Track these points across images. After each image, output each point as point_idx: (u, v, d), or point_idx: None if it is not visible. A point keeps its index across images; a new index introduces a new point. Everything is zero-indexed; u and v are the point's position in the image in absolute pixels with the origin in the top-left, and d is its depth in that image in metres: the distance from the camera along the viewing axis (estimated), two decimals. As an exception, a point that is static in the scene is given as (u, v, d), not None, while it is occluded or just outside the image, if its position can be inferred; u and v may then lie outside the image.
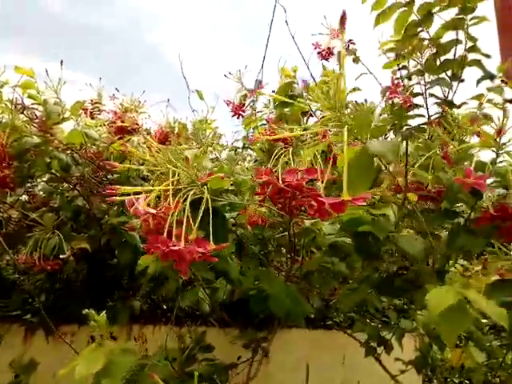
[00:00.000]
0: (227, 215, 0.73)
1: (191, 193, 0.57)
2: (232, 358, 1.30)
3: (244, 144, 1.85)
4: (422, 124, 0.86)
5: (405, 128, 0.75)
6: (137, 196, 0.60)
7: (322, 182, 0.53)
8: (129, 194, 0.61)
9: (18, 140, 1.04)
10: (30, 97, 1.08)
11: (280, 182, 0.62)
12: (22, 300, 1.51)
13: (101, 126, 1.43)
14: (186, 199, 0.56)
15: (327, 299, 1.46)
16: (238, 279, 0.79)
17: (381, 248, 0.71)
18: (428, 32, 0.78)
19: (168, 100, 1.56)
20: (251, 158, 1.82)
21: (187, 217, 0.54)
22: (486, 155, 0.65)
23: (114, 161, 1.36)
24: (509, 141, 0.63)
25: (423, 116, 0.80)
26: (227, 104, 1.29)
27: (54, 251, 1.19)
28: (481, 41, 0.84)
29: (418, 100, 0.83)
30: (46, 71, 1.13)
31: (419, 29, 0.76)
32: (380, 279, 0.76)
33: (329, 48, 1.28)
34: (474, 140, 0.73)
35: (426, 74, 0.80)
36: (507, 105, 0.75)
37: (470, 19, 0.78)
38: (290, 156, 0.67)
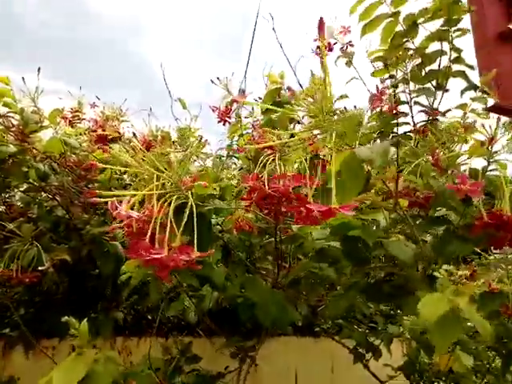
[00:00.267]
0: (213, 220, 0.72)
1: (175, 197, 0.55)
2: (219, 368, 1.27)
3: (228, 152, 1.84)
4: (408, 132, 0.87)
5: (391, 135, 0.76)
6: (120, 199, 0.58)
7: (310, 188, 0.52)
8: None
9: (-6, 149, 1.00)
10: (5, 105, 1.05)
11: (267, 187, 0.61)
12: (-1, 314, 1.46)
13: (81, 134, 1.40)
14: (170, 204, 0.55)
15: (314, 306, 1.45)
16: (223, 285, 0.77)
17: (370, 253, 0.71)
18: (413, 42, 0.79)
19: (150, 109, 1.54)
20: (236, 166, 1.81)
21: (171, 222, 0.52)
22: (476, 163, 0.66)
23: (94, 170, 1.33)
24: (500, 149, 0.64)
25: (409, 124, 0.81)
26: (213, 110, 1.27)
27: (33, 263, 1.16)
28: (464, 52, 0.86)
29: (404, 108, 0.84)
30: (23, 79, 1.10)
31: (405, 39, 0.77)
32: (368, 285, 0.75)
33: (329, 43, 1.28)
34: (462, 148, 0.73)
35: (412, 83, 0.81)
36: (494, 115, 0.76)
37: (455, 31, 0.79)
38: (277, 162, 0.66)
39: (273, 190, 0.63)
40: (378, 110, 0.76)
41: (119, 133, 1.41)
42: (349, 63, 1.10)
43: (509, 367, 1.02)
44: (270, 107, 0.79)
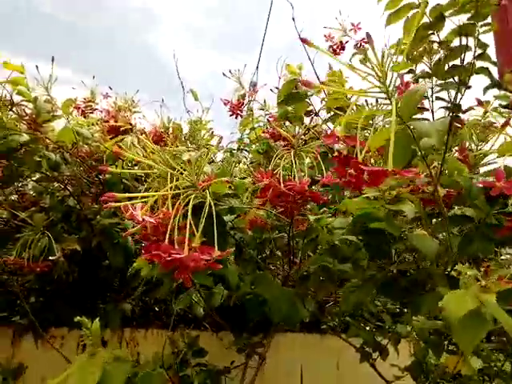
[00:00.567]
0: (225, 218, 0.71)
1: (192, 197, 0.54)
2: (224, 362, 1.27)
3: (239, 146, 1.83)
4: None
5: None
6: (132, 202, 0.57)
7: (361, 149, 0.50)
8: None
9: (7, 137, 1.00)
10: (19, 93, 1.05)
11: (282, 185, 0.59)
12: (9, 302, 1.47)
13: (93, 124, 1.40)
14: (186, 204, 0.54)
15: (322, 303, 1.44)
16: (237, 285, 0.77)
17: (391, 246, 0.69)
18: (438, 36, 0.76)
19: (162, 100, 1.54)
20: (246, 159, 1.80)
21: (189, 223, 0.51)
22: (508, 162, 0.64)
23: (106, 160, 1.33)
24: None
25: (427, 120, 0.79)
26: (225, 103, 1.26)
27: (44, 252, 1.16)
28: (489, 48, 0.83)
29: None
30: (37, 68, 1.10)
31: (429, 32, 0.75)
32: (385, 279, 0.73)
33: (341, 42, 1.26)
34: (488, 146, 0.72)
35: (433, 79, 0.78)
36: None
37: (482, 26, 0.76)
38: (292, 157, 0.65)
39: (288, 188, 0.62)
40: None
41: (131, 124, 1.40)
42: (364, 60, 1.07)
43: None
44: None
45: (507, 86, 0.74)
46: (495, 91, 0.78)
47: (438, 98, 0.84)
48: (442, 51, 0.81)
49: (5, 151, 1.01)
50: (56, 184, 1.31)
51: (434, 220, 0.79)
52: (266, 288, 0.86)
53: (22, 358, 1.40)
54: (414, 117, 0.74)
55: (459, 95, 0.76)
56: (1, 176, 1.13)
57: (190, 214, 0.52)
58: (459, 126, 0.81)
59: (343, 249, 0.87)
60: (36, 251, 1.13)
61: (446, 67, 0.80)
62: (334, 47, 1.30)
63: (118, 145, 1.08)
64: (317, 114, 1.08)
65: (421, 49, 0.84)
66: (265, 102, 1.38)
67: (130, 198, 0.58)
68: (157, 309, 1.66)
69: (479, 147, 0.73)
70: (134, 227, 1.32)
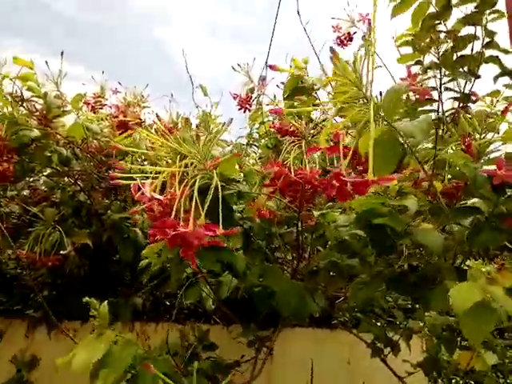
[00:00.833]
0: (234, 207, 0.71)
1: (199, 177, 0.54)
2: (234, 356, 1.28)
3: (248, 141, 1.83)
4: (435, 119, 0.83)
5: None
6: (142, 181, 0.58)
7: (345, 159, 0.50)
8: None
9: (18, 133, 1.01)
10: (29, 89, 1.06)
11: (292, 174, 0.59)
12: (23, 295, 1.50)
13: (103, 120, 1.41)
14: (193, 185, 0.54)
15: (332, 298, 1.43)
16: (244, 272, 0.77)
17: (396, 241, 0.68)
18: (446, 25, 0.75)
19: (172, 95, 1.54)
20: (256, 155, 1.80)
21: (195, 203, 0.52)
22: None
23: (115, 156, 1.34)
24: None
25: (436, 111, 0.77)
26: (234, 97, 1.26)
27: (55, 247, 1.18)
28: (499, 35, 0.81)
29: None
30: (47, 63, 1.11)
31: (436, 22, 0.73)
32: (393, 274, 0.72)
33: (349, 33, 1.24)
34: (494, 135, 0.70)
35: (442, 69, 0.77)
36: None
37: (490, 13, 0.74)
38: (304, 149, 0.64)
39: (298, 177, 0.61)
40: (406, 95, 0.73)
41: (140, 119, 1.41)
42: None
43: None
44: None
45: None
46: (506, 80, 0.77)
47: (446, 89, 0.82)
48: (449, 41, 0.80)
49: (16, 146, 1.02)
50: (67, 179, 1.33)
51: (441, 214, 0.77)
52: (275, 281, 0.85)
53: (35, 350, 1.43)
54: (420, 109, 0.73)
55: (468, 85, 0.74)
56: (12, 171, 1.15)
57: (195, 192, 0.52)
58: (461, 116, 0.79)
59: (352, 244, 0.86)
60: (47, 245, 1.15)
61: (455, 57, 0.79)
62: (342, 38, 1.29)
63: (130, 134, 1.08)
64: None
65: (428, 39, 0.83)
66: (274, 96, 1.38)
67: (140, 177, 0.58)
68: (167, 303, 1.67)
69: (483, 136, 0.71)
70: (144, 220, 1.32)
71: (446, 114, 0.82)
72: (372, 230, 0.69)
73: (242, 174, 0.70)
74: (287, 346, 1.51)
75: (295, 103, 0.91)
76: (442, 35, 0.76)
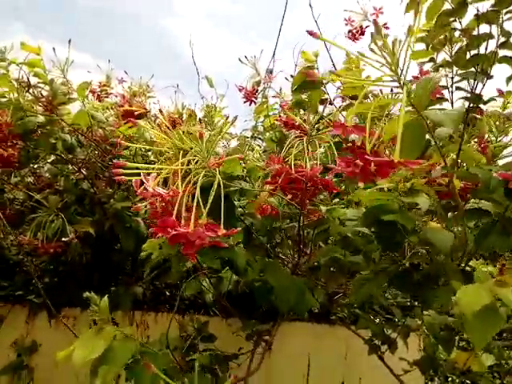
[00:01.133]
0: (236, 203, 0.71)
1: (202, 174, 0.54)
2: (232, 349, 1.28)
3: (253, 134, 1.82)
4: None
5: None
6: (145, 175, 0.57)
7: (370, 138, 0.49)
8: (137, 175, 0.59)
9: (24, 119, 1.01)
10: (35, 75, 1.05)
11: (293, 171, 0.59)
12: (25, 281, 1.51)
13: (108, 108, 1.40)
14: (195, 182, 0.53)
15: (332, 294, 1.43)
16: (245, 269, 0.77)
17: (404, 238, 0.68)
18: (461, 23, 0.73)
19: (177, 85, 1.53)
20: (260, 148, 1.79)
21: (197, 201, 0.51)
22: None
23: (120, 145, 1.34)
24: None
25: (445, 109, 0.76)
26: (239, 90, 1.25)
27: (58, 234, 1.18)
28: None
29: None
30: (54, 50, 1.10)
31: (451, 19, 0.72)
32: (397, 272, 0.72)
33: (361, 27, 1.23)
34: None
35: (454, 68, 0.76)
36: None
37: (506, 13, 0.73)
38: (305, 145, 0.64)
39: (299, 175, 0.61)
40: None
41: (145, 109, 1.40)
42: (373, 47, 1.04)
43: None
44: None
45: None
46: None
47: (457, 88, 0.81)
48: (463, 39, 0.78)
49: (21, 132, 1.02)
50: (70, 167, 1.33)
51: (450, 214, 0.77)
52: (275, 276, 0.86)
53: (36, 335, 1.44)
54: (430, 107, 0.72)
55: (480, 85, 0.73)
56: (17, 157, 1.15)
57: (198, 191, 0.51)
58: (478, 116, 0.78)
59: (355, 240, 0.86)
60: (50, 232, 1.15)
61: (468, 56, 0.77)
62: (354, 31, 1.27)
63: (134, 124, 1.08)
64: (332, 103, 1.06)
65: (442, 37, 0.81)
66: (280, 89, 1.37)
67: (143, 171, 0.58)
68: (168, 293, 1.68)
69: (498, 139, 0.70)
70: (147, 210, 1.32)
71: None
72: (380, 226, 0.69)
73: (245, 170, 0.70)
74: (286, 340, 1.52)
75: (303, 96, 0.91)
76: (457, 33, 0.74)
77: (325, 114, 0.93)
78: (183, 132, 0.57)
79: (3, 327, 1.44)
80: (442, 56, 0.82)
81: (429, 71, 0.72)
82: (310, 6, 1.05)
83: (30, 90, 1.04)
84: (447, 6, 0.70)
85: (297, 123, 0.93)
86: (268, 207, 0.81)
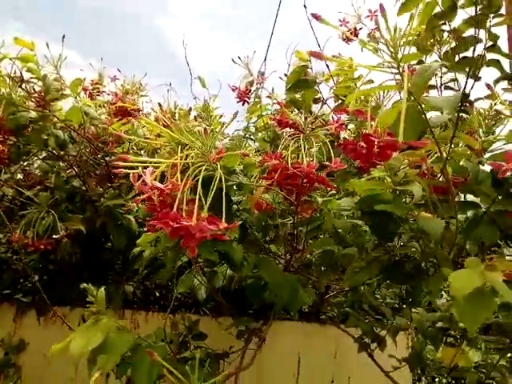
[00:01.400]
0: (233, 199, 0.71)
1: (203, 168, 0.54)
2: (222, 347, 1.29)
3: (244, 134, 1.83)
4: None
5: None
6: (143, 169, 0.58)
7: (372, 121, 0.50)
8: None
9: (16, 114, 1.00)
10: (29, 70, 1.05)
11: (290, 167, 0.60)
12: (13, 279, 1.49)
13: (100, 106, 1.40)
14: (195, 176, 0.54)
15: (322, 293, 1.45)
16: (241, 263, 0.77)
17: (398, 228, 0.69)
18: (450, 26, 0.76)
19: (170, 84, 1.53)
20: (252, 148, 1.80)
21: (199, 194, 0.52)
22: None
23: (112, 143, 1.33)
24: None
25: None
26: (233, 90, 1.26)
27: (48, 231, 1.17)
28: (500, 40, 0.82)
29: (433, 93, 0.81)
30: (47, 45, 1.10)
31: (441, 21, 0.74)
32: (389, 262, 0.73)
33: (355, 28, 1.25)
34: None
35: (443, 69, 0.78)
36: None
37: (493, 17, 0.76)
38: (302, 143, 0.65)
39: (297, 170, 0.62)
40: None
41: (138, 107, 1.40)
42: (376, 49, 1.07)
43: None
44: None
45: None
46: (505, 84, 0.78)
47: (446, 88, 0.84)
48: (452, 41, 0.81)
49: (13, 128, 1.01)
50: (62, 164, 1.32)
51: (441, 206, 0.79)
52: (269, 272, 0.86)
53: (23, 334, 1.42)
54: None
55: (468, 85, 0.75)
56: (8, 153, 1.14)
57: (200, 184, 0.52)
58: (466, 115, 0.80)
59: (346, 237, 0.87)
60: (40, 229, 1.14)
61: (457, 58, 0.80)
62: (347, 33, 1.29)
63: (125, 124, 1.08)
64: (325, 103, 1.08)
65: (431, 39, 0.84)
66: (273, 89, 1.38)
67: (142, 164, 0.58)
68: (157, 294, 1.67)
69: (486, 135, 0.72)
70: (139, 208, 1.32)
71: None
72: (374, 215, 0.70)
73: (241, 166, 0.71)
74: (276, 339, 1.53)
75: (297, 95, 0.92)
76: (445, 35, 0.77)
77: (319, 114, 0.94)
78: (183, 126, 0.58)
79: (-10, 326, 1.42)
80: (432, 58, 0.85)
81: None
82: (305, 6, 1.06)
83: (23, 85, 1.03)
84: (437, 9, 0.72)
85: (292, 122, 0.95)
86: (263, 203, 0.81)
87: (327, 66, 0.97)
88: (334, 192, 0.89)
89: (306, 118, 0.77)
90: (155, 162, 0.58)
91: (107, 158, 1.31)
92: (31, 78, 1.06)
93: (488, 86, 0.72)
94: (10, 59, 1.00)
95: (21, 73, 1.03)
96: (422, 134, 0.53)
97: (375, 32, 1.16)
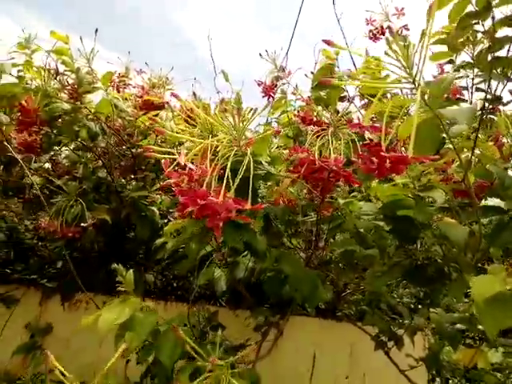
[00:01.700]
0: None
1: (233, 153, 0.56)
2: (239, 340, 1.30)
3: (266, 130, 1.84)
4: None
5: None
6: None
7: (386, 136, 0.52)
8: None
9: (50, 105, 1.04)
10: (63, 63, 1.08)
11: (317, 161, 0.61)
12: (39, 265, 1.54)
13: (126, 99, 1.43)
14: (225, 161, 0.56)
15: (340, 291, 1.45)
16: (264, 253, 0.79)
17: (419, 233, 0.70)
18: (483, 25, 0.75)
19: (195, 78, 1.55)
20: (274, 144, 1.81)
21: (227, 175, 0.54)
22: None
23: (138, 135, 1.37)
24: None
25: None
26: (258, 84, 1.27)
27: (76, 219, 1.21)
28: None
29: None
30: (81, 39, 1.13)
31: (474, 21, 0.73)
32: (411, 266, 0.74)
33: (382, 27, 1.25)
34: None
35: (475, 69, 0.77)
36: None
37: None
38: (330, 138, 0.66)
39: (324, 164, 0.63)
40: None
41: (164, 101, 1.43)
42: (388, 51, 1.06)
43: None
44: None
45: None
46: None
47: (477, 90, 0.83)
48: (485, 41, 0.80)
49: (47, 119, 1.05)
50: (89, 154, 1.36)
51: (464, 211, 0.79)
52: (291, 266, 0.87)
53: (48, 318, 1.47)
54: (449, 108, 0.74)
55: (500, 87, 0.75)
56: (39, 143, 1.18)
57: (229, 166, 0.54)
58: (493, 117, 0.80)
59: (367, 238, 0.87)
60: (69, 217, 1.18)
61: (489, 58, 0.79)
62: (374, 32, 1.29)
63: (153, 118, 1.10)
64: (350, 100, 1.08)
65: (463, 38, 0.83)
66: (296, 86, 1.39)
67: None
68: (175, 285, 1.71)
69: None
70: (163, 200, 1.35)
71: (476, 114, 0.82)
72: (396, 220, 0.71)
73: (269, 159, 0.72)
74: (292, 333, 1.54)
75: (323, 93, 0.93)
76: (479, 35, 0.76)
77: (344, 111, 0.95)
78: (215, 114, 0.60)
79: (17, 309, 1.47)
80: (462, 58, 0.84)
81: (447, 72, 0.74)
82: (333, 3, 1.06)
83: (57, 77, 1.07)
84: (470, 8, 0.72)
85: (316, 119, 0.95)
86: (287, 196, 0.83)
87: (354, 64, 0.98)
88: (355, 193, 0.90)
89: (333, 114, 0.78)
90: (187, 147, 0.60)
91: (133, 150, 1.34)
92: (65, 70, 1.09)
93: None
94: (46, 52, 1.04)
95: (56, 65, 1.06)
96: (441, 144, 0.54)
97: (401, 30, 1.16)
